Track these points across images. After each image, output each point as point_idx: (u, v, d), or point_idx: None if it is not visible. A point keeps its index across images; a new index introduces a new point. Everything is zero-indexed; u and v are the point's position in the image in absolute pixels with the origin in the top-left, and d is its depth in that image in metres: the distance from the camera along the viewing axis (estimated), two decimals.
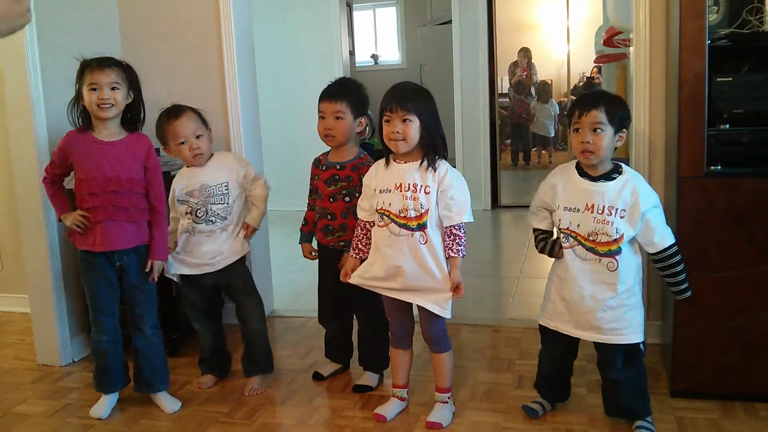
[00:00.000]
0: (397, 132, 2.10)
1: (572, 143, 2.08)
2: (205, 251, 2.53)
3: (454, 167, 2.21)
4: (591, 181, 2.07)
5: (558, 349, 2.22)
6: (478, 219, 5.59)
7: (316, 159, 2.58)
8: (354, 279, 2.26)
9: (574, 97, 6.15)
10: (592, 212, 2.03)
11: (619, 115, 2.03)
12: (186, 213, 2.53)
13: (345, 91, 2.45)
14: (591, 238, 2.03)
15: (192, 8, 3.18)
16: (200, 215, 2.51)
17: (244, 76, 3.20)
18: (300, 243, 2.63)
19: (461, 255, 2.13)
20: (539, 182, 2.22)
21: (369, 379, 2.54)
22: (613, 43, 4.04)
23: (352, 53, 6.54)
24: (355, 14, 8.51)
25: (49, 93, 2.81)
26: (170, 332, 2.91)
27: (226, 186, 2.51)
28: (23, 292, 3.24)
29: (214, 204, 2.50)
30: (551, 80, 6.38)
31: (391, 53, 8.90)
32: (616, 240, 2.00)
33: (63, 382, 2.78)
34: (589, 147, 2.02)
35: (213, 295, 2.67)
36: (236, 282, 2.60)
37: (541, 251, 2.19)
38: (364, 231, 2.27)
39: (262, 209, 2.60)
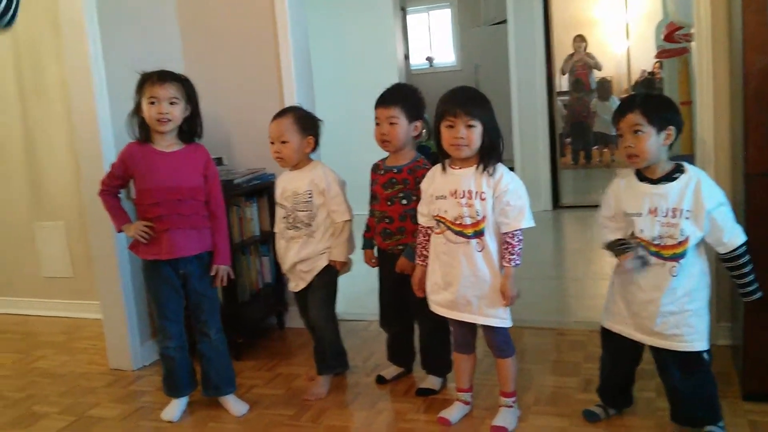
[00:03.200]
0: (461, 138, 2.09)
1: (620, 151, 2.03)
2: (290, 256, 2.61)
3: (512, 168, 2.18)
4: (651, 184, 2.01)
5: (620, 354, 2.16)
6: (538, 220, 5.46)
7: (374, 164, 2.60)
8: (433, 307, 2.27)
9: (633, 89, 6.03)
10: (656, 216, 1.97)
11: (660, 114, 1.96)
12: (282, 218, 2.62)
13: (399, 97, 2.47)
14: (656, 243, 1.97)
15: (250, 21, 3.26)
16: (290, 221, 2.59)
17: (301, 85, 3.25)
18: (362, 249, 2.64)
19: (513, 264, 2.10)
20: (601, 181, 2.15)
21: (432, 382, 2.54)
22: (674, 39, 3.95)
23: (407, 57, 6.54)
24: (410, 17, 8.51)
25: (114, 105, 2.90)
26: (235, 336, 2.96)
27: (310, 194, 2.56)
28: (94, 299, 3.37)
29: (300, 211, 2.57)
30: (611, 77, 6.26)
31: (446, 55, 8.89)
32: (681, 243, 1.93)
33: (135, 386, 2.87)
34: (633, 150, 1.97)
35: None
36: (317, 293, 2.65)
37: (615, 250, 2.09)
38: (426, 237, 2.28)
39: (340, 240, 2.58)
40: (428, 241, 2.27)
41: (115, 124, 2.89)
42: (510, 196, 2.10)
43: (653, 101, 2.02)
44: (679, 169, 2.00)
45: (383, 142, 2.48)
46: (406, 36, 7.07)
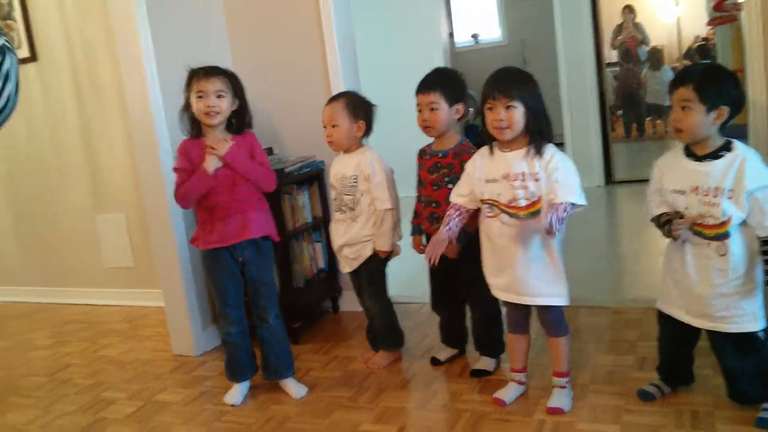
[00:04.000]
0: (501, 120, 2.09)
1: (669, 122, 1.99)
2: (336, 238, 2.70)
3: (562, 144, 2.16)
4: (696, 161, 1.97)
5: (675, 335, 2.14)
6: (591, 196, 5.41)
7: (420, 149, 2.62)
8: (495, 292, 2.28)
9: (688, 62, 5.85)
10: (697, 194, 1.93)
11: (713, 91, 1.89)
12: (333, 199, 2.71)
13: (438, 82, 2.48)
14: (698, 221, 1.93)
15: (294, 11, 3.29)
16: (338, 203, 2.67)
17: (347, 72, 3.27)
18: (411, 235, 2.67)
19: (552, 221, 2.01)
20: (655, 154, 2.10)
21: (486, 363, 2.56)
22: (723, 8, 3.82)
23: (451, 35, 6.48)
24: None
25: (167, 101, 2.98)
26: (292, 321, 3.03)
27: (355, 179, 2.62)
28: (156, 287, 3.49)
29: (346, 194, 2.64)
30: (662, 45, 6.09)
31: (491, 31, 8.76)
32: (723, 223, 1.89)
33: (198, 371, 2.97)
34: (679, 124, 1.93)
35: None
36: (364, 277, 2.72)
37: (667, 235, 2.06)
38: (459, 212, 2.27)
39: (382, 229, 2.61)
40: (459, 216, 2.26)
41: (168, 119, 2.97)
42: (559, 174, 2.07)
43: (709, 76, 1.94)
44: (727, 147, 1.93)
45: (425, 128, 2.50)
46: (450, 14, 7.00)
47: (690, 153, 2.00)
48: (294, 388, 2.62)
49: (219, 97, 2.43)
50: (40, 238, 4.33)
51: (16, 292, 4.50)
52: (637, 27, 5.96)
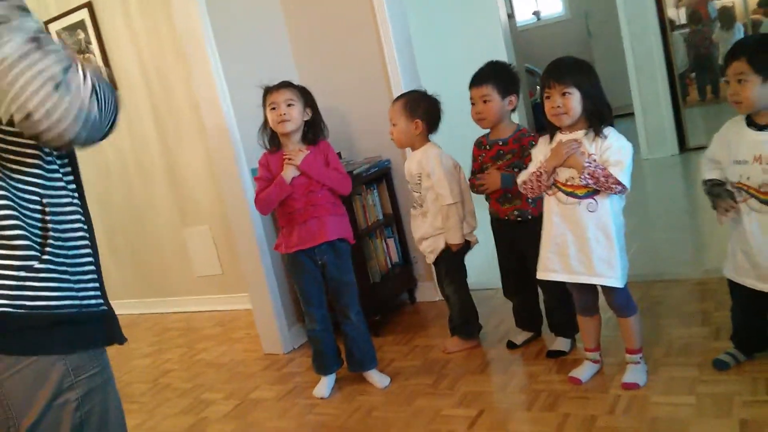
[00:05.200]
0: (558, 106, 2.14)
1: (728, 95, 2.01)
2: (414, 231, 2.87)
3: (632, 114, 2.18)
4: (758, 130, 1.98)
5: (747, 302, 2.15)
6: (665, 166, 5.38)
7: (477, 140, 2.70)
8: (540, 274, 2.34)
9: (760, 15, 5.62)
10: (760, 163, 1.95)
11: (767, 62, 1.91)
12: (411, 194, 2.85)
13: (489, 75, 2.56)
14: (763, 190, 1.95)
15: (351, 18, 3.42)
16: (412, 199, 2.83)
17: (405, 71, 3.38)
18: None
19: (586, 165, 2.09)
20: (733, 115, 2.09)
21: (561, 344, 2.62)
22: None
23: (511, 16, 6.43)
24: None
25: (240, 117, 3.17)
26: (372, 315, 3.17)
27: (419, 176, 2.73)
28: (243, 292, 3.70)
29: (415, 191, 2.78)
30: (732, 2, 5.87)
31: (553, 6, 8.65)
32: None
33: (287, 368, 3.15)
34: (737, 98, 1.94)
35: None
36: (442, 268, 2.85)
37: (713, 207, 2.11)
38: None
39: (449, 224, 2.69)
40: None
41: (243, 135, 3.15)
42: (611, 152, 2.11)
43: (761, 47, 1.97)
44: None
45: (479, 120, 2.59)
46: None
47: (751, 123, 2.01)
48: (378, 378, 2.75)
49: (289, 105, 2.59)
50: (134, 253, 4.63)
51: (117, 305, 4.69)
52: None
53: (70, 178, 1.19)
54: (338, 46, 3.49)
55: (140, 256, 4.62)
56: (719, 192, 2.09)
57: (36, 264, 1.07)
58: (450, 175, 2.70)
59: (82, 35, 4.34)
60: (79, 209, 1.19)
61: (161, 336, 4.11)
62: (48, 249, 1.09)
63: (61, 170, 1.17)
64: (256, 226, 3.23)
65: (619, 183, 2.09)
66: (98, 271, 1.21)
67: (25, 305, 1.05)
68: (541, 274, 2.33)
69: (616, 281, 2.19)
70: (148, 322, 4.47)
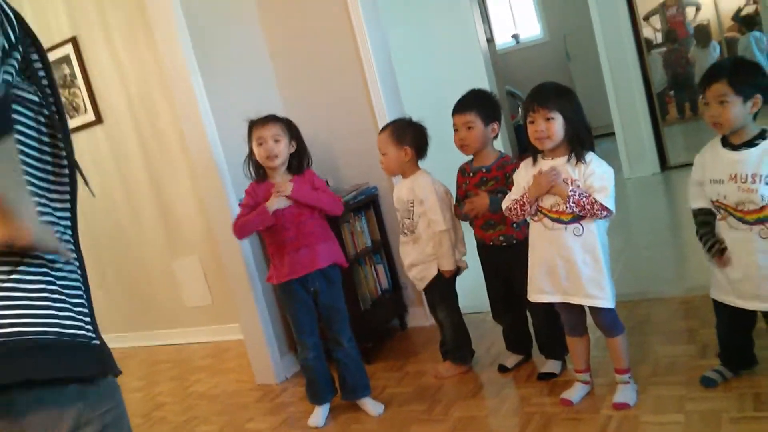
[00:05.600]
0: (542, 130, 2.20)
1: (705, 118, 2.07)
2: (403, 258, 2.89)
3: (612, 134, 2.24)
4: (732, 150, 2.05)
5: (731, 320, 2.20)
6: (646, 184, 5.45)
7: (461, 168, 2.75)
8: (532, 296, 2.38)
9: (734, 23, 5.72)
10: (735, 182, 2.01)
11: (747, 83, 1.99)
12: (399, 222, 2.88)
13: (473, 102, 2.62)
14: (739, 208, 2.02)
15: (334, 50, 3.47)
16: (401, 226, 2.86)
17: (389, 100, 3.43)
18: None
19: (570, 193, 2.15)
20: (711, 133, 2.15)
21: (552, 366, 2.66)
22: None
23: (490, 40, 6.54)
24: None
25: (227, 149, 3.20)
26: (363, 342, 3.18)
27: (411, 203, 2.77)
28: (234, 322, 3.71)
29: (406, 218, 2.81)
30: (707, 20, 6.00)
31: (531, 29, 8.79)
32: (763, 207, 1.97)
33: (281, 398, 3.16)
34: (718, 119, 2.01)
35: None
36: (434, 294, 2.88)
37: (705, 243, 2.16)
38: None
39: (442, 251, 2.74)
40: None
41: (230, 166, 3.18)
42: (594, 178, 2.17)
43: (741, 69, 2.05)
44: (762, 135, 2.02)
45: (462, 146, 2.65)
46: (488, 19, 7.06)
47: (726, 143, 2.07)
48: (372, 406, 2.77)
49: (276, 141, 2.63)
50: (123, 285, 4.63)
51: (107, 339, 4.75)
52: (681, 2, 5.87)
53: (67, 214, 1.19)
54: (321, 74, 3.54)
55: (130, 288, 4.61)
56: (707, 238, 2.14)
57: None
58: (442, 201, 2.74)
59: (67, 70, 4.37)
60: (72, 246, 1.19)
61: (153, 368, 4.10)
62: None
63: (59, 205, 1.17)
64: (246, 256, 3.25)
65: (604, 208, 2.14)
66: (89, 306, 1.21)
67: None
68: (534, 297, 2.37)
69: (607, 302, 2.23)
70: (139, 354, 4.45)
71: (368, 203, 3.46)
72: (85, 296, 1.19)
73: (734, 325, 2.21)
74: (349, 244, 3.30)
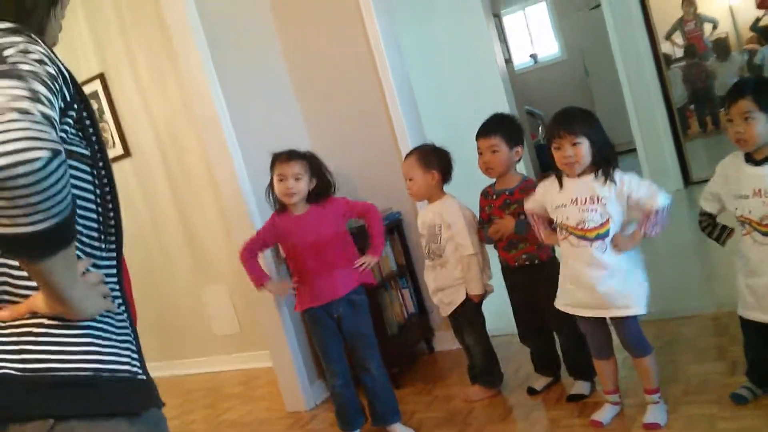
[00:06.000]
0: (570, 156, 2.23)
1: (729, 134, 2.09)
2: (429, 283, 2.88)
3: (634, 150, 2.29)
4: (756, 165, 2.06)
5: (757, 338, 2.20)
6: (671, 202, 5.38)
7: (484, 191, 2.78)
8: (558, 304, 2.42)
9: (754, 34, 5.70)
10: (760, 196, 2.03)
11: None
12: (423, 246, 2.88)
13: (498, 126, 2.65)
14: (765, 222, 2.03)
15: (354, 76, 3.53)
16: (427, 250, 2.85)
17: (410, 124, 3.47)
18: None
19: (650, 232, 2.20)
20: (735, 147, 2.16)
21: (581, 387, 2.65)
22: (765, 5, 3.81)
23: (508, 61, 6.59)
24: (506, 19, 8.53)
25: (253, 180, 3.26)
26: (391, 366, 3.19)
27: (439, 227, 2.78)
28: (263, 349, 3.74)
29: (433, 243, 2.81)
30: (725, 33, 5.98)
31: (549, 48, 8.83)
32: None
33: (311, 425, 3.18)
34: (743, 136, 2.02)
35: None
36: (462, 319, 2.88)
37: (709, 236, 2.25)
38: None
39: (470, 275, 2.74)
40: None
41: (256, 195, 3.23)
42: (633, 187, 2.21)
43: (765, 87, 2.07)
44: None
45: (487, 170, 2.68)
46: (505, 40, 7.11)
47: (749, 158, 2.09)
48: (402, 431, 2.78)
49: (297, 179, 2.68)
50: (155, 316, 4.68)
51: None
52: (699, 17, 5.87)
53: (113, 263, 1.24)
54: (344, 102, 3.60)
55: (159, 318, 4.67)
56: (710, 230, 2.26)
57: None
58: (470, 225, 2.75)
59: (95, 105, 4.48)
60: (118, 292, 1.23)
61: (185, 397, 4.15)
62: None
63: (105, 254, 1.21)
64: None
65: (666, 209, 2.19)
66: (137, 343, 1.25)
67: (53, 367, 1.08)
68: (562, 306, 2.40)
69: (636, 309, 2.25)
70: (170, 383, 4.49)
71: (392, 228, 3.50)
72: (132, 335, 1.23)
73: (761, 341, 2.20)
74: (374, 269, 3.32)
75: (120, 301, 1.24)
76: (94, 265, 1.17)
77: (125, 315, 1.24)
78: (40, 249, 0.95)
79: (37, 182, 0.87)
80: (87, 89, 4.44)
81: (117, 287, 1.24)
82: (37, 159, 0.87)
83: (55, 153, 0.90)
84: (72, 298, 1.05)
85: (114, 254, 1.24)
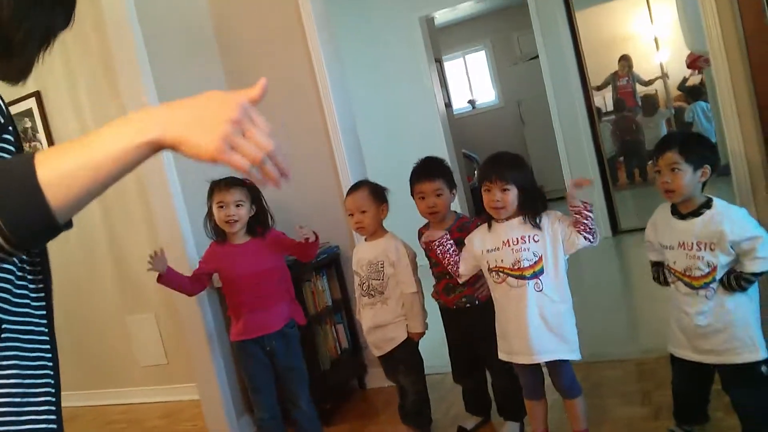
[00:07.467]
0: (497, 200, 2.29)
1: (657, 185, 2.18)
2: (366, 321, 2.79)
3: (564, 198, 2.35)
4: (680, 219, 2.16)
5: (686, 375, 2.27)
6: (599, 249, 5.49)
7: (419, 233, 2.77)
8: (501, 356, 2.43)
9: (680, 92, 6.00)
10: (683, 249, 2.12)
11: (697, 153, 2.11)
12: (358, 285, 2.81)
13: (439, 170, 2.66)
14: (687, 273, 2.12)
15: (301, 116, 3.53)
16: (365, 288, 2.77)
17: (353, 163, 3.51)
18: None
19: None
20: (661, 198, 2.25)
21: (511, 428, 2.68)
22: (698, 65, 4.05)
23: (448, 105, 6.73)
24: (447, 65, 8.71)
25: (189, 205, 3.21)
26: (322, 402, 3.16)
27: (382, 264, 2.73)
28: (189, 382, 3.64)
29: (374, 279, 2.75)
30: (655, 90, 6.27)
31: (487, 95, 9.07)
32: (709, 272, 2.07)
33: None
34: (670, 186, 2.12)
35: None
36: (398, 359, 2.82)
37: (662, 285, 2.31)
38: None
39: (413, 313, 2.71)
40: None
41: (192, 224, 3.18)
42: (561, 221, 2.30)
43: (691, 140, 2.18)
44: (707, 205, 2.12)
45: (431, 213, 2.64)
46: (446, 85, 7.25)
47: (675, 211, 2.18)
48: None
49: (238, 206, 2.65)
50: (75, 342, 4.50)
51: None
52: (634, 76, 6.14)
53: (42, 303, 1.02)
54: (287, 136, 3.59)
55: (82, 345, 4.49)
56: (663, 279, 2.31)
57: None
58: (412, 263, 2.74)
59: (28, 123, 4.34)
60: (46, 338, 1.02)
61: (104, 429, 3.98)
62: None
63: (32, 294, 1.00)
64: (205, 314, 3.22)
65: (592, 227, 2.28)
66: (57, 394, 1.05)
67: None
68: (504, 356, 2.42)
69: (572, 354, 2.30)
70: (90, 414, 4.31)
71: (330, 262, 3.49)
72: (54, 390, 1.04)
73: (691, 380, 2.26)
74: (310, 303, 3.30)
75: (48, 348, 1.02)
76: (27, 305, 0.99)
77: (50, 367, 1.02)
78: None
79: None
80: (21, 107, 4.31)
81: (46, 332, 1.02)
82: None
83: None
84: None
85: (42, 294, 1.02)
